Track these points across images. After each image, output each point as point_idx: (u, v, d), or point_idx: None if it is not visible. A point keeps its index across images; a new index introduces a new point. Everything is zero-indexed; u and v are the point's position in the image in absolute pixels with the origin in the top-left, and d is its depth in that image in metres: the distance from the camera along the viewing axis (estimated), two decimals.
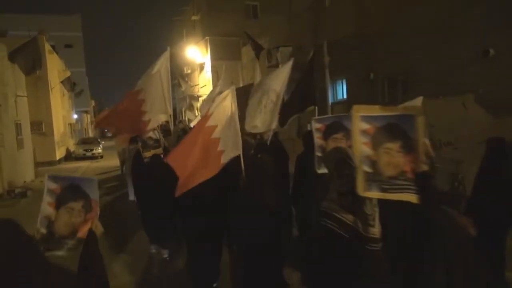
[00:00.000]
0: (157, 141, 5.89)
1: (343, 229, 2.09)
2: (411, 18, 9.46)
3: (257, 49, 14.45)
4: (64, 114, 27.91)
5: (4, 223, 1.49)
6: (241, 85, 20.95)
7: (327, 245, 2.11)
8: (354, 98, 11.90)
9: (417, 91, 9.38)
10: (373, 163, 2.16)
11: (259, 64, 16.33)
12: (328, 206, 2.16)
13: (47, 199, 2.04)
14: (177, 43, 30.16)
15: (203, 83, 25.46)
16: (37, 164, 17.77)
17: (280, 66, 14.18)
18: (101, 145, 25.80)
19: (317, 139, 3.32)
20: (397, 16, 9.93)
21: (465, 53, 7.99)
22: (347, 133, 2.98)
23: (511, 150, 3.31)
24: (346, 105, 12.17)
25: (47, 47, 22.15)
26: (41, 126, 21.02)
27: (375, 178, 2.14)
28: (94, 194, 2.07)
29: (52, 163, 20.92)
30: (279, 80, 5.20)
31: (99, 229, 1.97)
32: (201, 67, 25.59)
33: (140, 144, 5.93)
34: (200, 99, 26.12)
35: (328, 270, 2.11)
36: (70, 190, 2.03)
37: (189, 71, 27.95)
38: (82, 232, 1.93)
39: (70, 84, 26.26)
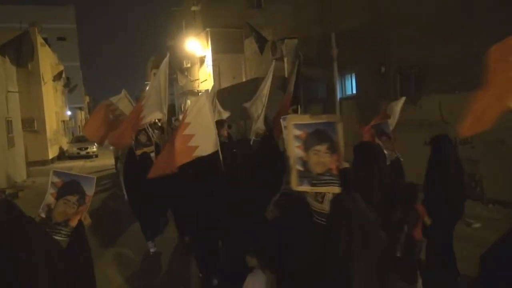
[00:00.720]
0: (149, 138, 6.53)
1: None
2: (426, 7, 9.40)
3: (261, 41, 14.44)
4: (57, 111, 28.04)
5: (7, 206, 2.09)
6: (243, 79, 20.94)
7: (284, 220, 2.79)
8: (364, 93, 11.85)
9: (431, 85, 9.39)
10: (305, 163, 2.88)
11: (264, 58, 16.32)
12: (288, 187, 2.85)
13: (50, 190, 2.72)
14: (176, 35, 30.20)
15: (204, 77, 25.46)
16: (29, 164, 17.86)
17: (285, 59, 14.24)
18: (96, 144, 25.90)
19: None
20: (410, 5, 9.86)
21: (482, 46, 7.91)
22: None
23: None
24: (356, 101, 12.13)
25: (39, 39, 22.23)
26: (33, 124, 21.11)
27: (306, 175, 2.84)
28: (90, 191, 2.70)
29: (44, 162, 21.03)
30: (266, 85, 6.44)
31: (87, 220, 2.61)
32: (202, 60, 25.58)
33: (133, 142, 6.52)
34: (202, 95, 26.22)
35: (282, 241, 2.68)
36: (70, 185, 2.67)
37: (188, 65, 27.98)
38: (74, 222, 2.55)
39: (63, 79, 26.40)
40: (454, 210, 3.95)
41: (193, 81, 27.75)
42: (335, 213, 2.12)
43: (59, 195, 2.73)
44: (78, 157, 23.97)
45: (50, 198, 2.72)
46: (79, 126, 43.30)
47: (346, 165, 2.86)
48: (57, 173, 2.80)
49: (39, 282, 2.05)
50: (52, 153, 23.42)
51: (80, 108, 46.36)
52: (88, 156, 24.06)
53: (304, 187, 2.85)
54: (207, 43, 24.08)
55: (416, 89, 9.79)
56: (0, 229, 2.04)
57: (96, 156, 24.22)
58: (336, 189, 2.79)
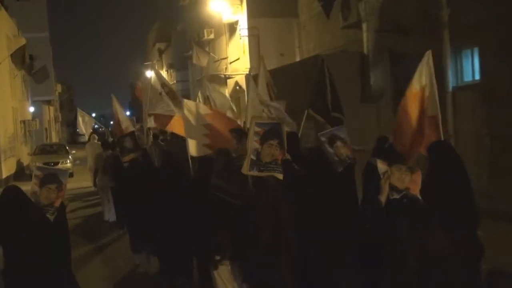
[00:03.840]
0: (136, 144, 9.23)
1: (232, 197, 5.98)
2: None
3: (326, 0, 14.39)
4: (15, 106, 29.19)
5: (15, 188, 5.62)
6: (297, 58, 20.93)
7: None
8: (493, 79, 11.48)
9: None
10: (258, 154, 5.67)
11: (330, 24, 16.27)
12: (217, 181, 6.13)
13: (34, 180, 5.51)
14: None
15: (235, 55, 25.68)
16: None
17: (363, 26, 14.14)
18: (70, 156, 26.72)
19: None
20: None
21: None
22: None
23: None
24: (479, 92, 11.78)
25: None
26: None
27: (256, 163, 5.65)
28: (65, 180, 5.60)
29: None
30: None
31: (65, 201, 5.71)
32: (232, 29, 25.85)
33: (117, 149, 9.44)
34: (230, 82, 26.43)
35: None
36: (49, 176, 5.50)
37: (211, 36, 28.38)
38: (57, 203, 5.44)
39: (24, 57, 27.34)
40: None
41: (217, 60, 28.08)
42: (258, 190, 5.66)
43: (42, 184, 5.49)
44: None
45: (34, 187, 5.52)
46: (46, 130, 44.78)
47: (288, 157, 5.81)
48: (38, 168, 5.84)
49: (39, 243, 5.28)
50: (7, 170, 24.36)
51: (49, 102, 48.07)
52: None
53: (252, 172, 5.74)
54: (241, 1, 24.31)
55: None
56: (11, 205, 5.32)
57: (71, 174, 24.91)
58: (279, 175, 5.68)
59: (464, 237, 5.46)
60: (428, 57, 6.91)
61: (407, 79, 6.57)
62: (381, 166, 5.11)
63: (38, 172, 5.65)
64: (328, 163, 6.25)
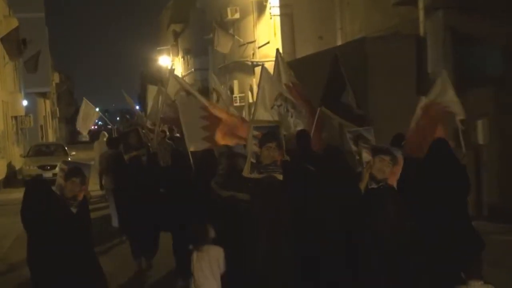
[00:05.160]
0: (140, 140, 10.32)
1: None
2: None
3: None
4: (5, 100, 29.55)
5: (42, 181, 7.60)
6: (339, 41, 20.90)
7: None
8: None
9: None
10: (258, 156, 6.95)
11: (379, 0, 16.16)
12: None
13: (59, 173, 7.10)
14: None
15: (264, 38, 25.72)
16: None
17: (419, 1, 14.02)
18: (69, 158, 26.95)
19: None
20: None
21: None
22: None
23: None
24: None
25: None
26: None
27: (257, 165, 6.93)
28: (88, 173, 7.05)
29: None
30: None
31: (89, 194, 7.35)
32: (261, 7, 25.92)
33: (121, 146, 10.51)
34: (258, 71, 26.42)
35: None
36: (74, 170, 6.93)
37: (236, 16, 28.48)
38: (80, 196, 6.87)
39: (17, 42, 27.63)
40: None
41: (244, 44, 28.13)
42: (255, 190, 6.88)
43: (67, 177, 6.77)
44: None
45: (60, 180, 6.85)
46: (41, 127, 45.29)
47: (287, 158, 7.03)
48: (64, 162, 7.29)
49: (63, 234, 6.44)
50: None
51: (45, 95, 48.65)
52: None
53: (253, 174, 6.89)
54: None
55: None
56: (38, 195, 6.53)
57: None
58: (279, 176, 6.80)
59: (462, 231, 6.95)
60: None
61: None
62: (366, 155, 6.34)
63: (63, 166, 7.12)
64: (345, 162, 7.22)
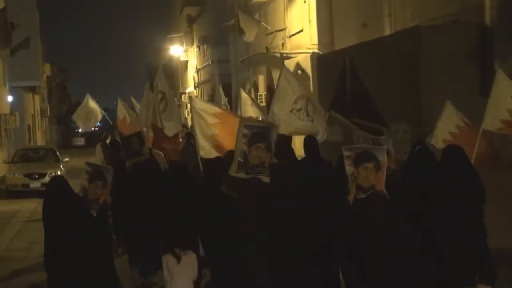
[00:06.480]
0: (143, 144, 11.29)
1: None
2: None
3: None
4: None
5: (62, 180, 8.54)
6: (387, 31, 20.85)
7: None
8: None
9: None
10: (245, 156, 8.18)
11: None
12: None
13: (84, 176, 8.66)
14: None
15: (297, 25, 25.76)
16: None
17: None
18: (62, 165, 27.12)
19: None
20: None
21: None
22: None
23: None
24: None
25: None
26: None
27: (244, 165, 8.16)
28: (110, 177, 8.58)
29: None
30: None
31: (109, 198, 8.58)
32: None
33: (123, 152, 11.78)
34: (289, 64, 26.42)
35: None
36: (97, 172, 8.56)
37: None
38: (101, 200, 8.39)
39: (5, 25, 27.84)
40: None
41: (272, 33, 28.17)
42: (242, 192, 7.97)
43: (91, 179, 8.18)
44: (25, 192, 25.26)
45: (84, 182, 8.27)
46: (29, 128, 45.57)
47: (275, 160, 8.16)
48: (88, 164, 8.71)
49: (81, 236, 7.70)
50: None
51: (34, 90, 49.04)
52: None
53: (240, 174, 7.92)
54: None
55: None
56: (60, 196, 7.90)
57: None
58: (266, 179, 7.83)
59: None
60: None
61: None
62: (348, 167, 7.01)
63: (88, 168, 8.51)
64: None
